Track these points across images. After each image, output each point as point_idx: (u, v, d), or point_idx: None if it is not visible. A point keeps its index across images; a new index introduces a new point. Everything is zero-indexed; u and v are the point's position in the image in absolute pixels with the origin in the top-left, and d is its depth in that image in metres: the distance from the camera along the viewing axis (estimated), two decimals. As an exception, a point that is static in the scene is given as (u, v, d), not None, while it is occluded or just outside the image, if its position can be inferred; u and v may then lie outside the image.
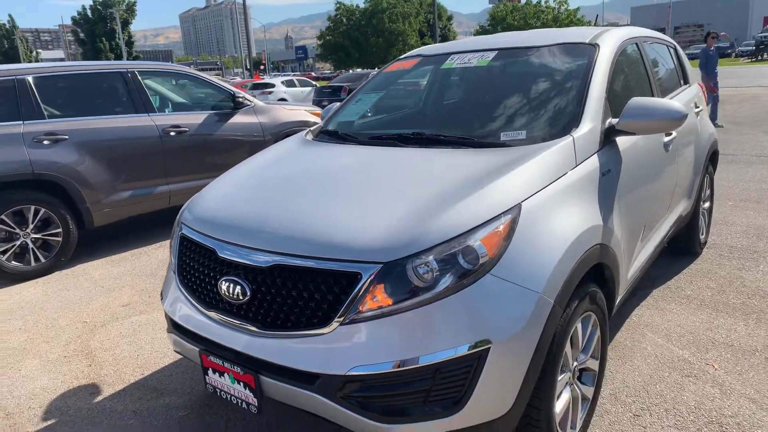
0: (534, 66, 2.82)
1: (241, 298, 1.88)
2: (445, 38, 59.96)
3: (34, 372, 3.07)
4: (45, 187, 4.60)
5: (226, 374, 1.94)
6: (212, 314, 1.99)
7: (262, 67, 75.26)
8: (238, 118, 5.80)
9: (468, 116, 2.78)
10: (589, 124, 2.33)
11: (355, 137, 2.74)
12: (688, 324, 3.14)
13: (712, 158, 4.14)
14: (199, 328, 2.02)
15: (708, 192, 4.24)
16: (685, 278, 3.76)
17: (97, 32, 43.50)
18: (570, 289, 1.88)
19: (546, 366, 1.83)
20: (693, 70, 4.25)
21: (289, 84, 22.95)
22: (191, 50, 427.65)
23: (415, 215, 1.81)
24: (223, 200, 2.28)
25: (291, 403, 1.83)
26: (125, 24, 44.17)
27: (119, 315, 3.75)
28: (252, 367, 1.85)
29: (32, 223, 4.55)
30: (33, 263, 4.59)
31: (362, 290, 1.69)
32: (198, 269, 2.08)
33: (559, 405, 2.02)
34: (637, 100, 2.39)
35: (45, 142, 4.56)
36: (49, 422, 2.60)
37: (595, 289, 2.11)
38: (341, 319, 1.70)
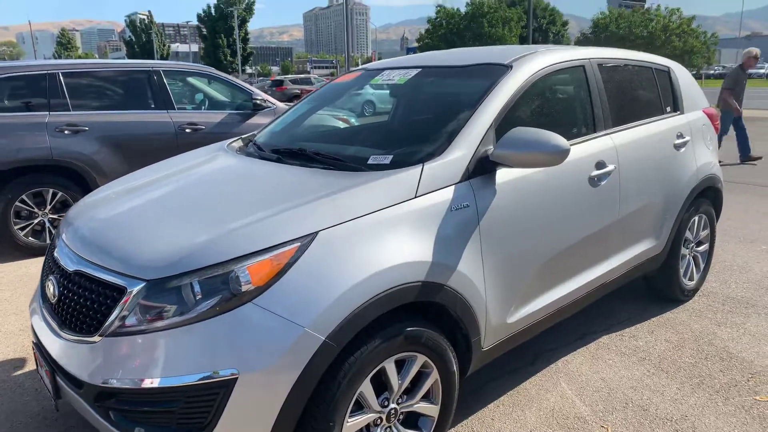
0: (443, 87, 2.69)
1: (53, 297, 1.99)
2: (557, 44, 57.55)
3: (-11, 340, 3.40)
4: (63, 172, 5.06)
5: (41, 368, 2.05)
6: (44, 309, 2.11)
7: (370, 67, 76.89)
8: (256, 119, 6.01)
9: (360, 135, 2.72)
10: (456, 154, 2.18)
11: (261, 149, 2.75)
12: (613, 379, 2.83)
13: (707, 196, 3.69)
14: (34, 322, 2.15)
15: (705, 233, 3.78)
16: (647, 327, 3.39)
17: (217, 29, 46.97)
18: (356, 326, 1.78)
19: (319, 403, 1.76)
20: (698, 95, 3.80)
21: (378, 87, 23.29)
22: (311, 48, 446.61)
23: (199, 235, 1.81)
24: (92, 200, 2.41)
25: (75, 407, 1.89)
26: (243, 22, 47.16)
27: (88, 297, 4.04)
28: (51, 365, 1.94)
29: (50, 204, 5.03)
30: (48, 240, 5.07)
31: (126, 304, 1.72)
32: (47, 264, 2.22)
33: (361, 447, 1.93)
34: (517, 130, 2.21)
35: (66, 132, 5.02)
36: (-36, 388, 2.87)
37: (419, 330, 1.98)
38: (106, 330, 1.74)
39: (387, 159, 2.24)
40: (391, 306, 1.87)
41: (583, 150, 2.68)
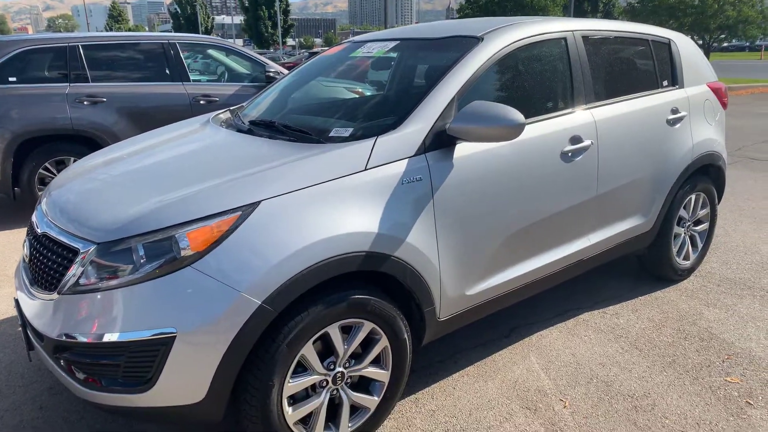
0: (415, 59, 2.70)
1: (26, 257, 2.14)
2: (608, 14, 55.39)
3: (6, 297, 3.65)
4: (83, 141, 5.30)
5: (18, 322, 2.22)
6: (23, 268, 2.27)
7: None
8: (270, 92, 6.10)
9: (329, 108, 2.75)
10: (412, 127, 2.20)
11: (241, 121, 2.83)
12: (584, 355, 2.84)
13: (708, 174, 3.58)
14: (15, 279, 2.32)
15: (704, 212, 3.68)
16: (632, 305, 3.35)
17: (259, 1, 47.31)
18: (295, 292, 1.85)
19: (259, 363, 1.86)
20: (703, 69, 3.66)
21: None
22: (355, 20, 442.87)
23: (147, 203, 1.90)
24: (72, 170, 2.55)
25: (41, 358, 2.05)
26: (284, -7, 47.22)
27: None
28: (23, 318, 2.10)
29: (71, 172, 5.29)
30: (71, 207, 5.34)
31: (78, 265, 1.85)
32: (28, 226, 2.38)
33: (305, 406, 2.03)
34: (474, 104, 2.21)
35: (85, 103, 5.24)
36: (-26, 339, 3.12)
37: (364, 298, 2.04)
38: (62, 287, 1.87)
39: (347, 132, 2.28)
40: (332, 274, 1.93)
41: (557, 124, 2.65)
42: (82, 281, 1.84)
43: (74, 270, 1.85)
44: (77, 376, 1.87)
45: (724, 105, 3.76)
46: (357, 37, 3.32)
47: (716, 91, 3.68)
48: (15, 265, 4.14)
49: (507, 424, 2.34)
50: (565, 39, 2.82)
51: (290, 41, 71.10)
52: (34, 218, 2.26)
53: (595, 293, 3.52)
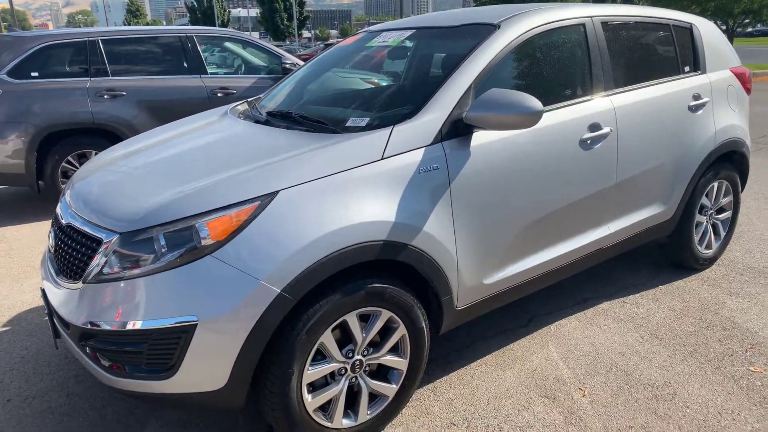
0: (432, 48, 2.68)
1: (52, 247, 2.19)
2: (628, 0, 54.63)
3: (33, 287, 3.74)
4: (104, 134, 5.38)
5: (45, 311, 2.27)
6: (48, 258, 2.32)
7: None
8: (287, 83, 6.12)
9: (346, 98, 2.75)
10: (429, 116, 2.20)
11: (258, 112, 2.85)
12: (604, 344, 2.82)
13: (732, 161, 3.52)
14: (41, 269, 2.38)
15: (727, 200, 3.62)
16: (652, 294, 3.32)
17: (274, -8, 47.52)
18: (313, 281, 1.87)
19: (279, 351, 1.88)
20: (726, 54, 3.58)
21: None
22: (371, 10, 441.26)
23: (167, 193, 1.93)
24: (94, 163, 2.59)
25: (67, 346, 2.10)
26: (298, -15, 47.20)
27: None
28: (50, 307, 2.15)
29: (93, 165, 5.37)
30: (93, 199, 5.43)
31: (102, 254, 1.88)
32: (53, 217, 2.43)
33: (324, 393, 2.05)
34: (491, 92, 2.19)
35: (105, 97, 5.31)
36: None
37: (382, 287, 2.05)
38: (87, 276, 1.91)
39: (363, 121, 2.29)
40: (350, 263, 1.94)
41: (575, 112, 2.62)
42: (105, 270, 1.87)
43: (98, 259, 1.89)
44: (102, 363, 1.91)
45: (747, 91, 3.68)
46: (373, 27, 3.31)
47: (740, 76, 3.60)
48: (41, 256, 4.24)
49: (525, 413, 2.34)
50: (583, 25, 2.78)
51: (306, 33, 71.14)
52: (58, 210, 2.31)
53: (614, 282, 3.49)
